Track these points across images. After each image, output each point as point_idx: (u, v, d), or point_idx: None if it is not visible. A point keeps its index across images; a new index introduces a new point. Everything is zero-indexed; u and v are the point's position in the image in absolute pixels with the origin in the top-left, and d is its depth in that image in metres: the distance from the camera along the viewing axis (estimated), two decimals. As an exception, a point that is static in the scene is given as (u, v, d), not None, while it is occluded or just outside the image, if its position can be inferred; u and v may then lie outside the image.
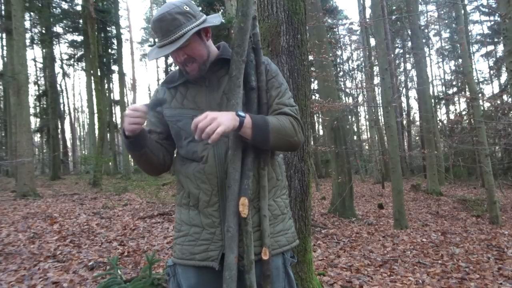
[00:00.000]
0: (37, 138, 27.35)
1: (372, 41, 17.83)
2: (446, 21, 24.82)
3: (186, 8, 1.26)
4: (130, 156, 1.38)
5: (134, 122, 1.22)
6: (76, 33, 21.67)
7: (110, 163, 21.42)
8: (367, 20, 13.52)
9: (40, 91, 24.40)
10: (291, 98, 1.38)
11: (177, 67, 1.39)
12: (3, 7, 15.83)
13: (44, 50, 21.62)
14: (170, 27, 1.23)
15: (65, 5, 20.36)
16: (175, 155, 1.47)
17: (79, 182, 15.44)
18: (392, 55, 17.91)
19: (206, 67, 1.31)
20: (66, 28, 21.58)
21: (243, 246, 1.22)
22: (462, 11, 11.99)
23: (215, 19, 1.32)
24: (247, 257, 1.21)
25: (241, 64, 1.27)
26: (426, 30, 23.65)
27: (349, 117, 24.11)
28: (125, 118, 1.23)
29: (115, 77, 25.97)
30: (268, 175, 1.33)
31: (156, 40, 1.30)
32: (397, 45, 24.85)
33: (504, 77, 21.12)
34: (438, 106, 25.38)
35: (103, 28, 21.13)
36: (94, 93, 15.94)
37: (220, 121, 1.12)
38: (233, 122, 1.15)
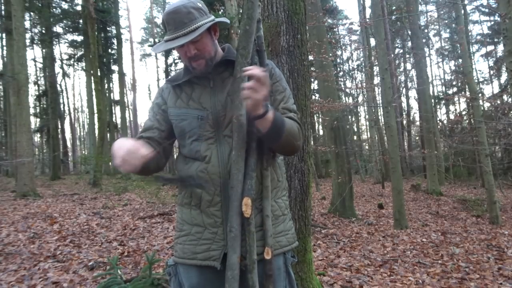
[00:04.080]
0: (37, 138, 27.31)
1: (372, 41, 17.84)
2: (446, 21, 24.83)
3: (200, 4, 1.30)
4: None
5: (131, 164, 1.15)
6: (76, 33, 21.61)
7: (110, 163, 21.38)
8: (367, 20, 13.52)
9: (40, 91, 24.36)
10: (294, 104, 1.41)
11: (181, 68, 1.40)
12: (3, 7, 15.82)
13: (44, 50, 21.60)
14: (185, 19, 1.25)
15: (65, 5, 20.32)
16: (176, 154, 1.47)
17: (79, 182, 15.44)
18: (392, 55, 17.92)
19: (212, 64, 1.33)
20: (66, 28, 21.53)
21: (245, 246, 1.23)
22: (462, 11, 12.00)
23: (225, 19, 1.38)
24: (249, 257, 1.21)
25: (245, 66, 1.29)
26: (426, 30, 23.66)
27: (349, 117, 24.11)
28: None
29: (115, 77, 25.97)
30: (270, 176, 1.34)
31: (164, 36, 1.31)
32: (397, 45, 24.85)
33: (504, 77, 21.12)
34: (438, 106, 25.37)
35: (103, 28, 21.10)
36: (94, 93, 15.92)
37: (262, 90, 1.11)
38: (260, 107, 1.15)
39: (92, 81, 15.92)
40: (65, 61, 24.94)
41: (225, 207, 1.27)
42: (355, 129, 27.07)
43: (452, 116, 25.40)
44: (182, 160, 1.38)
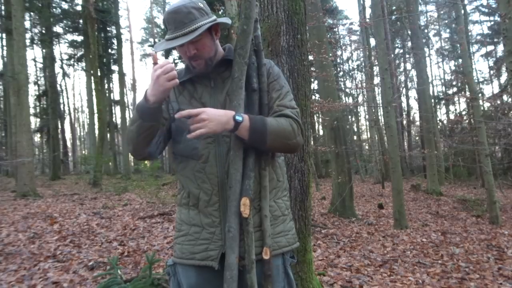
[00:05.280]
0: (37, 138, 27.29)
1: (372, 41, 17.84)
2: (446, 21, 24.84)
3: (201, 5, 1.30)
4: (133, 127, 1.27)
5: (173, 78, 1.17)
6: (76, 33, 21.63)
7: (110, 163, 21.41)
8: (367, 20, 13.51)
9: (40, 91, 24.36)
10: (292, 101, 1.39)
11: (183, 66, 1.40)
12: (3, 7, 15.82)
13: (44, 50, 21.57)
14: (185, 19, 1.25)
15: (65, 5, 20.34)
16: (167, 154, 1.45)
17: (79, 182, 15.44)
18: (392, 55, 17.93)
19: (213, 64, 1.34)
20: (66, 28, 21.55)
21: (244, 246, 1.23)
22: (462, 11, 11.99)
23: (226, 19, 1.36)
24: (248, 257, 1.21)
25: (243, 66, 1.29)
26: (426, 30, 23.66)
27: (349, 117, 24.13)
28: (160, 77, 1.16)
29: (115, 77, 25.99)
30: (269, 176, 1.34)
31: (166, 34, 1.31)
32: (397, 45, 24.84)
33: (504, 77, 21.10)
34: (438, 106, 25.38)
35: (103, 28, 21.10)
36: (94, 93, 15.95)
37: (207, 124, 1.16)
38: (224, 127, 1.19)
39: (92, 81, 15.94)
40: (65, 61, 24.95)
41: (223, 207, 1.27)
42: (355, 129, 27.06)
43: (452, 116, 25.45)
44: (176, 160, 1.37)
